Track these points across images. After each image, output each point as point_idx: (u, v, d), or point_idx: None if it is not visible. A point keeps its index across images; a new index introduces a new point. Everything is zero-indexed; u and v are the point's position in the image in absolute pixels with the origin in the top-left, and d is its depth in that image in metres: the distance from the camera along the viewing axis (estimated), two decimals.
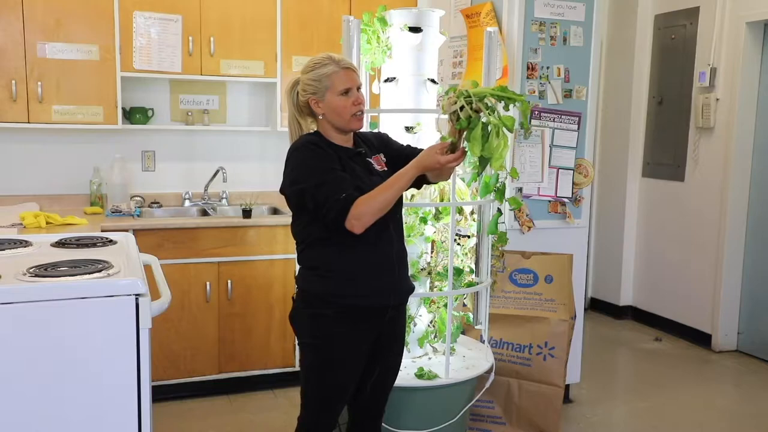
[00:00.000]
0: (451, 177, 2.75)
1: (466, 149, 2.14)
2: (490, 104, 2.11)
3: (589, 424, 3.66)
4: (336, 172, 2.14)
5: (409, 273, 2.93)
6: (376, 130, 2.54)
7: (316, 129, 2.30)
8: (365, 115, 2.63)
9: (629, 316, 5.58)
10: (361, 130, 2.35)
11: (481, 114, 2.08)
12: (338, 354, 2.24)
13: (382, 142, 2.44)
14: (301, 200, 2.17)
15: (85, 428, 1.77)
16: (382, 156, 2.37)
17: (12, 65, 3.65)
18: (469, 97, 2.08)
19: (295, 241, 2.33)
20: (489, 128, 2.09)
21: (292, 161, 2.20)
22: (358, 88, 2.24)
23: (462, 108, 2.08)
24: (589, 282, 5.79)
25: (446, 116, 2.17)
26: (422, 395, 2.80)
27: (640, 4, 5.33)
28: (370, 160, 2.31)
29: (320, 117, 2.24)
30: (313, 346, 2.26)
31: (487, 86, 2.85)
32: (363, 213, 2.08)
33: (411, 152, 2.40)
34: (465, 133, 2.11)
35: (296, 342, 2.33)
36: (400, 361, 2.47)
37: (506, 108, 2.19)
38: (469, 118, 2.07)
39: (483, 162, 2.19)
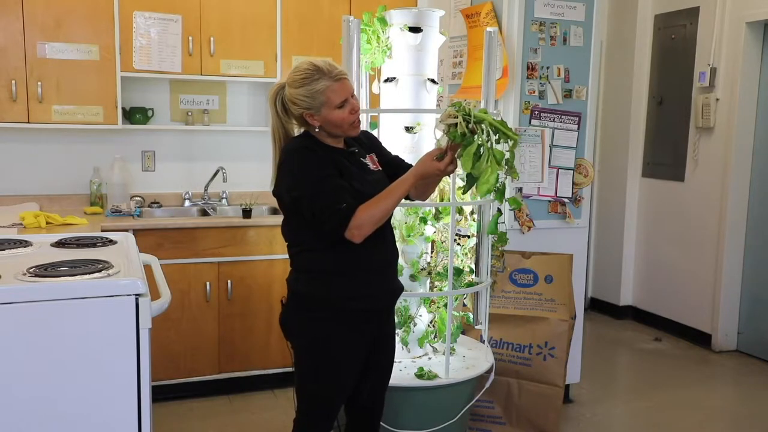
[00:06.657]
0: (451, 176, 2.75)
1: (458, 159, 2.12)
2: (486, 129, 2.10)
3: (589, 424, 3.66)
4: (332, 179, 2.10)
5: (409, 273, 2.96)
6: (365, 129, 2.52)
7: (304, 131, 2.24)
8: (366, 116, 2.61)
9: (629, 316, 5.58)
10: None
11: (476, 136, 2.08)
12: (336, 357, 2.22)
13: (372, 144, 2.41)
14: (297, 208, 2.13)
15: (85, 428, 1.77)
16: (374, 156, 2.35)
17: (12, 65, 3.65)
18: (468, 115, 2.09)
19: (286, 243, 2.31)
20: (481, 150, 2.10)
21: (286, 165, 2.15)
22: (352, 95, 2.18)
23: (457, 124, 2.08)
24: (589, 282, 5.79)
25: (441, 124, 2.14)
26: (422, 395, 2.80)
27: (640, 4, 5.33)
28: (364, 160, 2.28)
29: (317, 130, 2.18)
30: (309, 349, 2.24)
31: (487, 108, 2.81)
32: (364, 223, 2.07)
33: (399, 163, 2.39)
34: (458, 149, 2.11)
35: (289, 345, 2.30)
36: (393, 359, 2.46)
37: (497, 141, 2.16)
38: (463, 135, 2.07)
39: (470, 180, 2.18)
